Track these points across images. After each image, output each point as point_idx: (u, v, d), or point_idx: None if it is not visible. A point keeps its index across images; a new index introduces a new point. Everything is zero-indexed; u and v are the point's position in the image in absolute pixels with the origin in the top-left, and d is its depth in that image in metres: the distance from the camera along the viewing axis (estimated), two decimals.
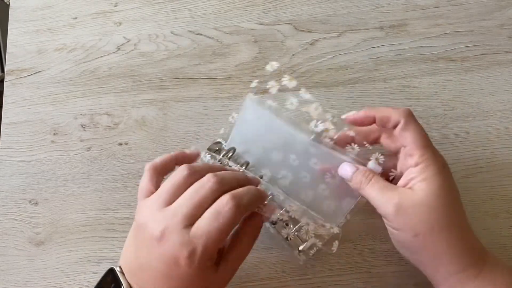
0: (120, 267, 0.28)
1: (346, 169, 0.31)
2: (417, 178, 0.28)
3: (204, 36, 0.44)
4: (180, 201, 0.27)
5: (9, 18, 0.46)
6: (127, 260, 0.29)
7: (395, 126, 0.30)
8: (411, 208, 0.28)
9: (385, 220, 0.29)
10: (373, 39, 0.43)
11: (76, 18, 0.45)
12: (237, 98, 0.41)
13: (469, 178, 0.37)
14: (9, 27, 0.45)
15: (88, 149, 0.40)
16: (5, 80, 0.43)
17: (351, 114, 0.32)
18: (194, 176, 0.28)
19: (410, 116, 0.30)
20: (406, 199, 0.28)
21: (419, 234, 0.27)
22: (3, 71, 0.69)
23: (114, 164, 0.39)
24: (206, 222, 0.26)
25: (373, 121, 0.31)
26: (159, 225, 0.26)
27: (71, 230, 0.37)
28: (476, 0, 0.44)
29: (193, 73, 0.43)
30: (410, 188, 0.29)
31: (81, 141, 0.40)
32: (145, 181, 0.29)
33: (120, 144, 0.40)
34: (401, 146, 0.30)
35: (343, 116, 0.32)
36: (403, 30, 0.43)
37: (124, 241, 0.30)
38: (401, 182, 0.30)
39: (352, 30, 0.43)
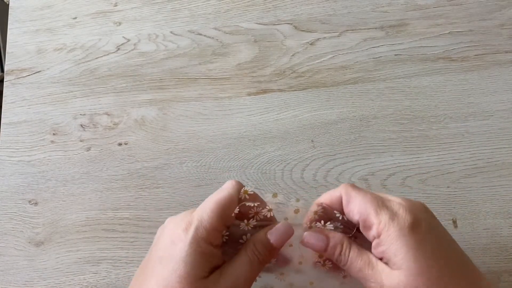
0: None
1: (314, 239, 0.26)
2: (388, 252, 0.23)
3: (204, 36, 0.44)
4: None
5: (9, 18, 0.46)
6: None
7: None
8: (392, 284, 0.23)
9: None
10: (373, 39, 0.43)
11: (75, 18, 0.45)
12: (237, 98, 0.41)
13: (469, 178, 0.37)
14: (9, 27, 0.45)
15: (88, 149, 0.40)
16: (4, 80, 0.43)
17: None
18: None
19: (349, 188, 0.26)
20: (387, 282, 0.23)
21: None
22: (3, 71, 0.69)
23: (113, 164, 0.39)
24: (206, 200, 0.25)
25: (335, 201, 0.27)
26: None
27: (71, 230, 0.37)
28: (476, 0, 0.44)
29: (193, 73, 0.42)
30: (386, 264, 0.24)
31: (81, 141, 0.40)
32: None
33: (120, 144, 0.40)
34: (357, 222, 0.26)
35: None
36: (403, 30, 0.43)
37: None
38: (376, 254, 0.25)
39: (352, 30, 0.43)
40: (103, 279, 0.36)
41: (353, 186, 0.26)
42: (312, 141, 0.39)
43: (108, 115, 0.41)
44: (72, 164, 0.40)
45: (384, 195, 0.26)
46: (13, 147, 0.40)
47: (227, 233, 0.26)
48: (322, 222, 0.26)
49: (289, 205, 0.27)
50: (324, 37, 0.43)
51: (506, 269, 0.35)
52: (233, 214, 0.25)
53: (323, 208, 0.27)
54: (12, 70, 0.43)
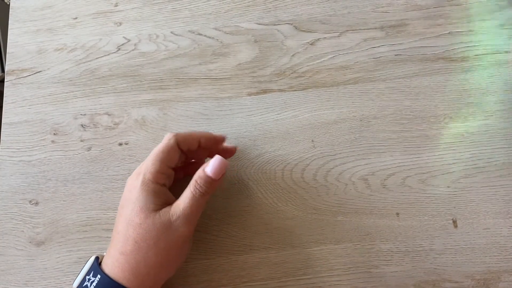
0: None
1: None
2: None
3: (204, 36, 0.44)
4: None
5: (9, 18, 0.46)
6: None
7: None
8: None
9: None
10: (373, 39, 0.43)
11: (76, 18, 0.45)
12: (237, 98, 0.41)
13: (469, 178, 0.37)
14: (9, 27, 0.45)
15: (88, 149, 0.40)
16: (5, 80, 0.43)
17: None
18: None
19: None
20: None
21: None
22: (3, 71, 0.69)
23: (114, 164, 0.39)
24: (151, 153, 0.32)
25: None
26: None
27: (72, 230, 0.37)
28: (476, 0, 0.44)
29: (193, 73, 0.43)
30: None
31: (81, 141, 0.40)
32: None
33: (120, 144, 0.40)
34: None
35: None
36: (403, 30, 0.43)
37: None
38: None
39: (352, 30, 0.43)
40: None
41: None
42: (312, 141, 0.39)
43: (109, 115, 0.41)
44: (73, 164, 0.40)
45: None
46: (13, 147, 0.40)
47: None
48: None
49: None
50: (324, 37, 0.43)
51: (506, 269, 0.35)
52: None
53: None
54: (13, 70, 0.43)
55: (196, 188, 0.30)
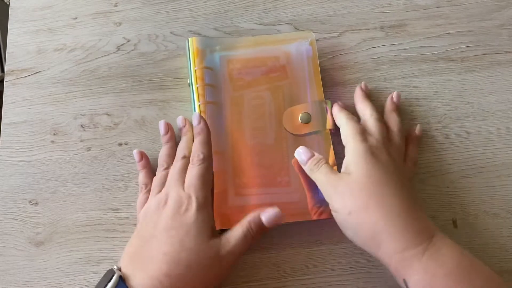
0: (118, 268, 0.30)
1: (301, 154, 0.34)
2: (348, 164, 0.32)
3: (204, 36, 0.44)
4: (168, 179, 0.34)
5: (9, 18, 0.46)
6: (127, 254, 0.32)
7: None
8: (345, 187, 0.30)
9: (328, 203, 0.32)
10: (373, 39, 0.43)
11: (76, 18, 0.45)
12: None
13: (469, 178, 0.37)
14: (9, 27, 0.45)
15: (88, 149, 0.40)
16: (5, 80, 0.43)
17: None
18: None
19: (349, 118, 0.35)
20: (342, 181, 0.31)
21: (352, 212, 0.30)
22: (3, 71, 0.69)
23: (114, 164, 0.39)
24: (189, 174, 0.33)
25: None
26: (161, 195, 0.33)
27: (71, 230, 0.37)
28: (476, 0, 0.44)
29: None
30: (347, 173, 0.32)
31: (81, 141, 0.40)
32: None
33: (120, 144, 0.40)
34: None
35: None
36: (403, 30, 0.43)
37: (125, 241, 0.30)
38: (342, 169, 0.33)
39: (352, 30, 0.43)
40: None
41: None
42: None
43: (108, 115, 0.41)
44: (73, 164, 0.40)
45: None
46: (13, 147, 0.40)
47: None
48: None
49: None
50: (324, 38, 0.43)
51: (506, 269, 0.35)
52: None
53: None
54: (12, 70, 0.43)
55: (249, 231, 0.31)
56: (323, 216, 0.34)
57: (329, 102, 0.38)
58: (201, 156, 0.34)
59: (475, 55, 0.42)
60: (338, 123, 0.36)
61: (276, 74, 0.39)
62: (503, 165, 0.38)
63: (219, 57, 0.39)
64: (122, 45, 0.44)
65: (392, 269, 0.29)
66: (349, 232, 0.31)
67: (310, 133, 0.37)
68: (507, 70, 0.41)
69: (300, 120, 0.37)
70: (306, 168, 0.34)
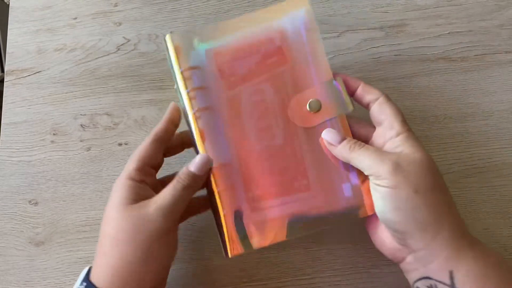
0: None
1: (333, 132, 0.31)
2: (404, 145, 0.29)
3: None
4: None
5: (9, 18, 0.46)
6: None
7: (370, 102, 0.32)
8: (410, 166, 0.27)
9: (376, 182, 0.28)
10: (373, 39, 0.43)
11: (76, 18, 0.45)
12: None
13: (469, 178, 0.37)
14: (9, 27, 0.45)
15: (88, 149, 0.40)
16: (5, 80, 0.43)
17: (343, 75, 0.33)
18: None
19: (389, 96, 0.32)
20: (403, 158, 0.28)
21: (420, 191, 0.27)
22: (3, 71, 0.69)
23: (114, 164, 0.39)
24: None
25: (356, 86, 0.32)
26: None
27: (71, 230, 0.37)
28: (476, 0, 0.44)
29: None
30: (401, 152, 0.29)
31: (81, 141, 0.40)
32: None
33: (120, 144, 0.40)
34: (377, 121, 0.31)
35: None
36: (403, 30, 0.43)
37: None
38: (386, 150, 0.30)
39: (352, 30, 0.43)
40: None
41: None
42: None
43: (108, 115, 0.41)
44: (73, 164, 0.40)
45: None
46: (13, 147, 0.40)
47: None
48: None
49: None
50: (324, 37, 0.43)
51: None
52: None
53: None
54: (12, 70, 0.43)
55: (178, 181, 0.29)
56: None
57: (339, 78, 0.32)
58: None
59: (475, 55, 0.42)
60: (369, 100, 0.32)
61: (273, 60, 0.33)
62: (503, 165, 0.38)
63: (205, 52, 0.33)
64: (122, 45, 0.44)
65: (440, 261, 0.26)
66: (401, 214, 0.27)
67: (324, 122, 0.32)
68: (507, 70, 0.41)
69: (309, 109, 0.32)
70: (341, 148, 0.30)
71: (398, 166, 0.27)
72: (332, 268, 0.35)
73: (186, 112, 0.32)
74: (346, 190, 0.31)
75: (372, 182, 0.29)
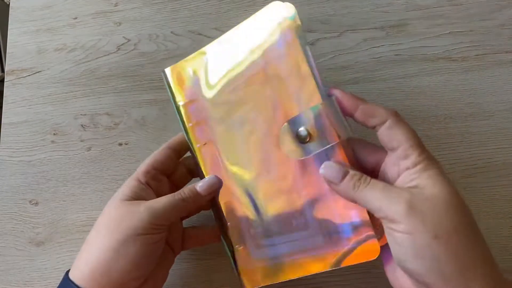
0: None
1: (332, 167, 0.26)
2: (420, 178, 0.24)
3: (204, 36, 0.44)
4: None
5: (9, 18, 0.46)
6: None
7: (376, 125, 0.26)
8: (427, 205, 0.23)
9: (390, 226, 0.24)
10: (374, 39, 0.43)
11: (76, 18, 0.45)
12: None
13: (469, 178, 0.37)
14: (9, 27, 0.45)
15: (88, 149, 0.40)
16: (5, 80, 0.43)
17: (339, 90, 0.27)
18: None
19: (399, 116, 0.26)
20: (418, 195, 0.23)
21: (441, 236, 0.22)
22: (3, 71, 0.69)
23: (114, 164, 0.39)
24: None
25: (354, 109, 0.27)
26: None
27: (72, 230, 0.37)
28: (476, 0, 0.44)
29: None
30: (416, 187, 0.24)
31: (81, 141, 0.40)
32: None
33: (120, 144, 0.40)
34: (389, 147, 0.26)
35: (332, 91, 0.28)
36: (404, 30, 0.43)
37: None
38: (399, 185, 0.25)
39: (352, 30, 0.43)
40: None
41: (400, 114, 0.26)
42: None
43: (109, 115, 0.41)
44: (73, 164, 0.40)
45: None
46: (13, 147, 0.40)
47: None
48: None
49: None
50: (325, 37, 0.43)
51: (506, 269, 0.35)
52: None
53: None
54: (13, 70, 0.43)
55: (179, 192, 0.30)
56: (382, 243, 0.26)
57: (330, 99, 0.27)
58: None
59: (476, 55, 0.42)
60: (373, 123, 0.26)
61: (257, 84, 0.29)
62: (503, 165, 0.38)
63: (197, 82, 0.32)
64: (122, 45, 0.44)
65: None
66: (420, 263, 0.23)
67: (318, 153, 0.27)
68: (507, 70, 0.41)
69: (299, 140, 0.27)
70: (343, 186, 0.26)
71: (413, 206, 0.23)
72: None
73: (192, 146, 0.33)
74: (346, 230, 0.27)
75: (385, 225, 0.25)
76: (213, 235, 0.33)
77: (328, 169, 0.26)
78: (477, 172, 0.38)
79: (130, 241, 0.27)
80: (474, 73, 0.41)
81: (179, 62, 0.33)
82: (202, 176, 0.32)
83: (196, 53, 0.32)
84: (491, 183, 0.37)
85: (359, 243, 0.27)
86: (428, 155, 0.25)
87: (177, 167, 0.33)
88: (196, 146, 0.32)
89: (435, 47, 0.42)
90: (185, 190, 0.30)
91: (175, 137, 0.33)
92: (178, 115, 0.33)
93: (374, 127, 0.26)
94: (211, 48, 0.32)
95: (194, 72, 0.32)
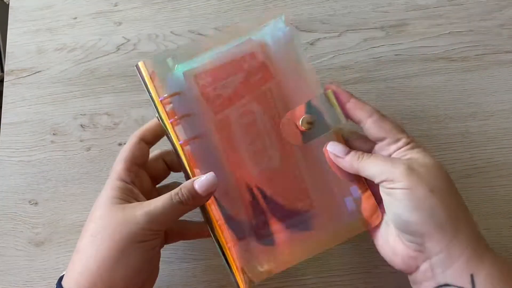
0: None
1: (338, 145, 0.30)
2: (412, 153, 0.28)
3: (204, 36, 0.44)
4: None
5: (9, 18, 0.46)
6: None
7: (362, 119, 0.30)
8: (423, 168, 0.27)
9: (390, 186, 0.27)
10: (374, 39, 0.43)
11: (76, 18, 0.45)
12: None
13: (469, 178, 0.37)
14: (9, 27, 0.45)
15: (88, 149, 0.40)
16: (5, 80, 0.43)
17: (334, 85, 0.31)
18: None
19: (381, 112, 0.30)
20: (414, 162, 0.27)
21: (436, 191, 0.26)
22: (3, 71, 0.69)
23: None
24: None
25: (347, 100, 0.30)
26: None
27: (71, 231, 0.37)
28: (476, 0, 0.44)
29: None
30: (410, 159, 0.28)
31: (81, 141, 0.40)
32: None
33: (120, 144, 0.40)
34: (376, 137, 0.30)
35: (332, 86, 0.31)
36: (404, 30, 0.43)
37: None
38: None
39: (353, 30, 0.43)
40: None
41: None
42: None
43: (108, 115, 0.41)
44: (72, 164, 0.40)
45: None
46: (13, 147, 0.40)
47: None
48: None
49: None
50: (325, 37, 0.43)
51: None
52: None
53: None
54: (12, 70, 0.43)
55: (177, 194, 0.28)
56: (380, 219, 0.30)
57: (329, 92, 0.31)
58: (133, 134, 0.32)
59: (476, 55, 0.42)
60: (360, 116, 0.30)
61: (258, 77, 0.31)
62: (503, 165, 0.38)
63: (183, 75, 0.30)
64: (122, 45, 0.44)
65: (460, 263, 0.25)
66: (419, 214, 0.26)
67: (318, 138, 0.31)
68: (507, 70, 0.41)
69: (302, 126, 0.30)
70: (350, 158, 0.30)
71: (411, 168, 0.27)
72: (331, 268, 0.35)
73: (173, 143, 0.30)
74: (349, 203, 0.30)
75: (384, 188, 0.28)
76: (199, 232, 0.32)
77: (334, 146, 0.31)
78: (477, 172, 0.38)
79: (130, 249, 0.27)
80: (474, 73, 0.41)
81: (156, 55, 0.32)
82: (187, 173, 0.30)
83: (181, 45, 0.33)
84: (491, 183, 0.37)
85: (362, 213, 0.30)
86: (414, 139, 0.29)
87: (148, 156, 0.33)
88: (179, 143, 0.30)
89: (435, 47, 0.42)
90: (183, 191, 0.28)
91: (146, 128, 0.32)
92: (156, 111, 0.31)
93: (359, 120, 0.30)
94: (199, 40, 0.33)
95: (177, 61, 0.31)
